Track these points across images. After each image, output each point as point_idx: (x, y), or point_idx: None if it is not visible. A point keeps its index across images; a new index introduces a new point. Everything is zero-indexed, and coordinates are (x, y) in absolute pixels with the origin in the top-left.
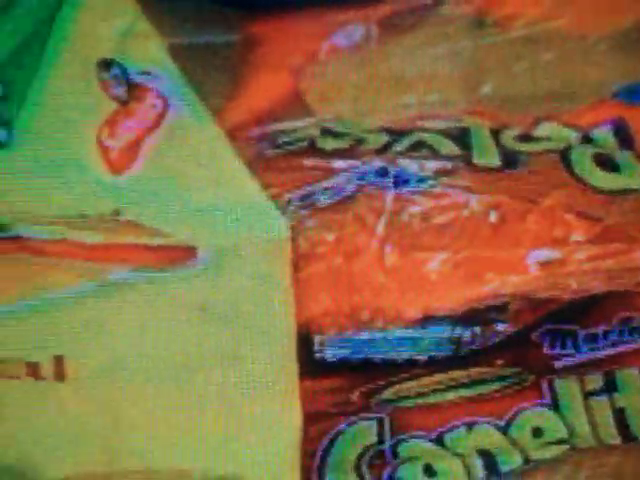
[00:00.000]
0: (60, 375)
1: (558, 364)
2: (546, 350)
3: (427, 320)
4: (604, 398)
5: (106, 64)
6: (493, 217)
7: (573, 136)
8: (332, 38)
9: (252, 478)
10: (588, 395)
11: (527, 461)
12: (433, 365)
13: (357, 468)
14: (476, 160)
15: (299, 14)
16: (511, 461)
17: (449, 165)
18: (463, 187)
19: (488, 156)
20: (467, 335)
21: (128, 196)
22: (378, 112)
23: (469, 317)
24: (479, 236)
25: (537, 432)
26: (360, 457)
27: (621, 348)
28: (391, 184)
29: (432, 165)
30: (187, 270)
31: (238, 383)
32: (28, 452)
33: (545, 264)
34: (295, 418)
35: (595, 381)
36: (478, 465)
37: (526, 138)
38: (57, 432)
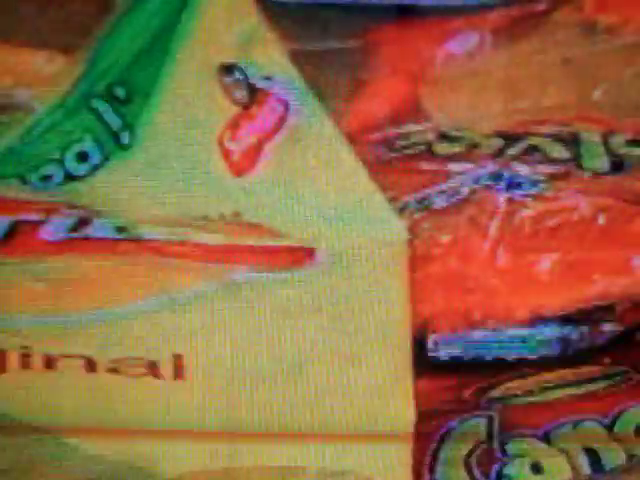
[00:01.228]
0: (179, 374)
1: None
2: None
3: (536, 320)
4: None
5: (228, 68)
6: (601, 220)
7: None
8: (447, 45)
9: (366, 473)
10: None
11: (631, 457)
12: (542, 364)
13: (467, 464)
14: (586, 164)
15: (416, 22)
16: (615, 458)
17: (561, 169)
18: (573, 190)
19: (597, 160)
20: (575, 335)
21: (249, 198)
22: (492, 117)
23: (577, 317)
24: (588, 238)
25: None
26: (470, 453)
27: None
28: (504, 187)
29: (544, 169)
30: (305, 271)
31: (354, 384)
32: (145, 449)
33: None
34: (409, 416)
35: None
36: (584, 462)
37: (636, 143)
38: (174, 430)
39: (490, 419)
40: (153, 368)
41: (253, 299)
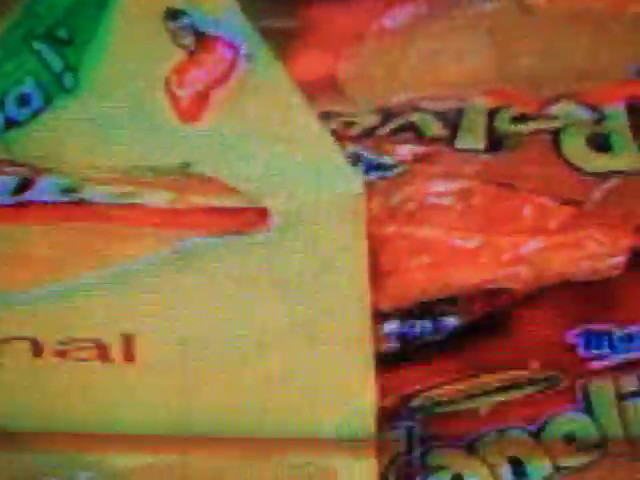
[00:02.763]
0: (129, 356)
1: (593, 366)
2: (581, 352)
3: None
4: (639, 401)
5: (174, 13)
6: (462, 203)
7: (584, 115)
8: (381, 20)
9: (327, 465)
10: (623, 397)
11: (557, 468)
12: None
13: (384, 478)
14: (459, 143)
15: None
16: (541, 469)
17: (430, 149)
18: (435, 174)
19: (473, 138)
20: (415, 330)
21: (198, 148)
22: (403, 91)
23: (418, 311)
24: (447, 224)
25: (569, 438)
26: (388, 466)
27: None
28: (363, 170)
29: (409, 150)
30: (260, 235)
31: (315, 361)
32: (94, 442)
33: (518, 253)
34: (371, 398)
35: (630, 383)
36: (507, 473)
37: (523, 118)
38: (127, 419)
39: (410, 429)
40: (103, 350)
41: (206, 269)
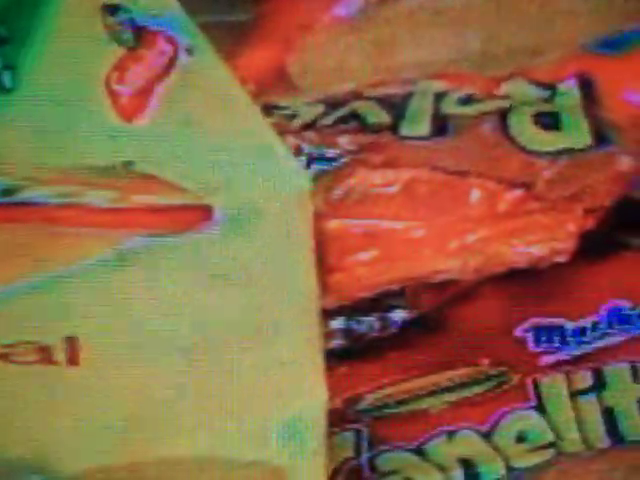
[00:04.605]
0: (73, 359)
1: (543, 361)
2: (531, 347)
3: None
4: (592, 397)
5: (112, 9)
6: (406, 193)
7: (535, 93)
8: (332, 9)
9: (276, 464)
10: (576, 394)
11: (511, 469)
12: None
13: None
14: (403, 130)
15: None
16: (494, 469)
17: (370, 139)
18: (379, 163)
19: (418, 125)
20: (361, 325)
21: (140, 146)
22: (357, 78)
23: (365, 306)
24: (390, 215)
25: (521, 437)
26: (336, 472)
27: (610, 341)
28: (305, 163)
29: (351, 140)
30: (204, 234)
31: (265, 359)
32: (44, 445)
33: (465, 242)
34: (322, 395)
35: (583, 378)
36: (460, 476)
37: (471, 100)
38: (72, 423)
39: (358, 433)
40: (46, 353)
41: (151, 268)
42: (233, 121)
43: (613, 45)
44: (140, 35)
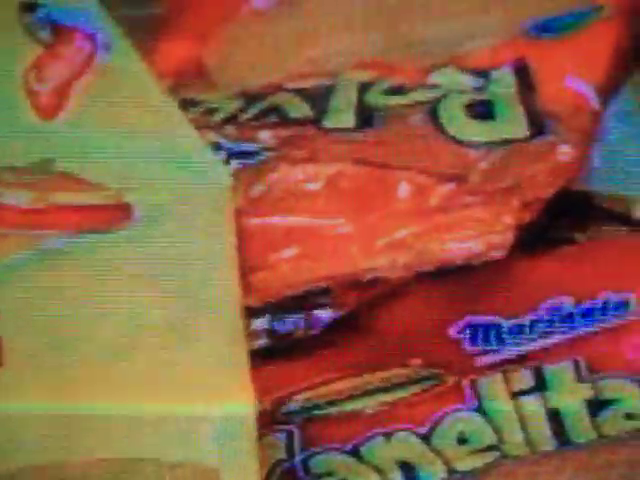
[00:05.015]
0: None
1: (480, 362)
2: (466, 346)
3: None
4: (535, 398)
5: (29, 6)
6: (330, 188)
7: (468, 81)
8: (251, 1)
9: (208, 464)
10: (517, 395)
11: (452, 472)
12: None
13: None
14: (327, 123)
15: None
16: (434, 472)
17: (291, 133)
18: (301, 158)
19: (342, 117)
20: (286, 325)
21: (59, 144)
22: (277, 71)
23: (288, 305)
24: (316, 211)
25: (462, 439)
26: (269, 474)
27: (551, 340)
28: (224, 158)
29: (272, 134)
30: (125, 231)
31: (189, 357)
32: None
33: (394, 238)
34: (248, 394)
35: (523, 379)
36: (398, 478)
37: (399, 90)
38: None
39: (290, 434)
40: None
41: (72, 267)
42: (151, 118)
43: (551, 29)
44: (57, 32)
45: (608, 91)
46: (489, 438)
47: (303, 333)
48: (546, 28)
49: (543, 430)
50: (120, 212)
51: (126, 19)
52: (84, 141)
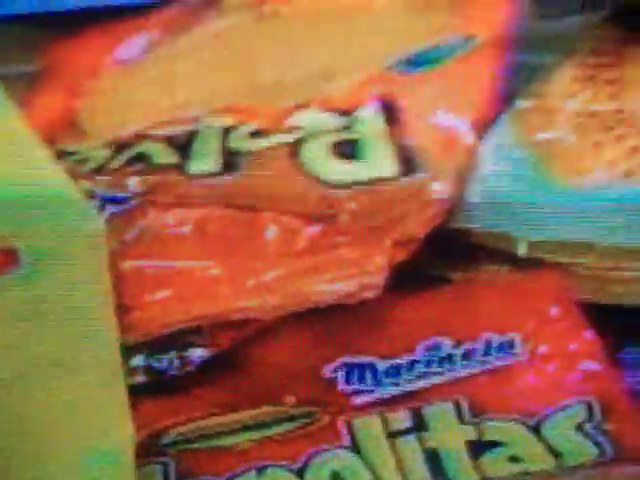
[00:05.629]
0: None
1: (356, 401)
2: (341, 386)
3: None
4: (412, 438)
5: None
6: (199, 232)
7: (332, 121)
8: (116, 52)
9: None
10: (394, 435)
11: None
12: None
13: None
14: (192, 168)
15: (87, 34)
16: None
17: (158, 179)
18: (169, 203)
19: (206, 161)
20: (162, 363)
21: None
22: (142, 119)
23: (163, 343)
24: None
25: (336, 476)
26: None
27: (430, 380)
28: (99, 206)
29: (140, 181)
30: (9, 277)
31: (71, 397)
32: None
33: (262, 280)
34: (128, 431)
35: (401, 419)
36: None
37: (261, 134)
38: None
39: (165, 466)
40: None
41: None
42: (27, 169)
43: (421, 62)
44: None
45: (484, 124)
46: (364, 477)
47: (179, 371)
48: (415, 62)
49: (421, 471)
50: (6, 257)
51: (3, 76)
52: None
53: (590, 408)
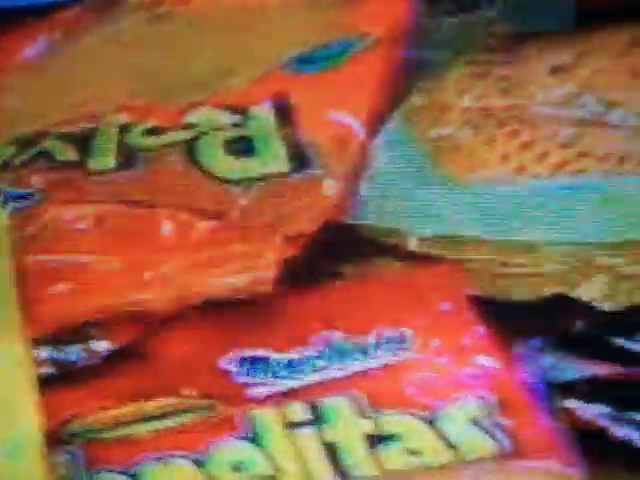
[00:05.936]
0: None
1: (252, 394)
2: (237, 378)
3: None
4: (310, 430)
5: None
6: (97, 227)
7: (225, 119)
8: (23, 51)
9: None
10: (292, 427)
11: None
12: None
13: None
14: (91, 165)
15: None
16: None
17: (60, 176)
18: (69, 199)
19: (104, 158)
20: (67, 355)
21: None
22: (45, 117)
23: (68, 336)
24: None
25: (237, 467)
26: None
27: (325, 374)
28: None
29: (41, 178)
30: None
31: None
32: None
33: (159, 273)
34: (38, 427)
35: (298, 412)
36: None
37: (157, 131)
38: None
39: (73, 454)
40: None
41: None
42: None
43: (313, 61)
44: None
45: (375, 121)
46: (264, 468)
47: (84, 362)
48: (308, 61)
49: (320, 463)
50: None
51: None
52: None
53: (486, 402)
